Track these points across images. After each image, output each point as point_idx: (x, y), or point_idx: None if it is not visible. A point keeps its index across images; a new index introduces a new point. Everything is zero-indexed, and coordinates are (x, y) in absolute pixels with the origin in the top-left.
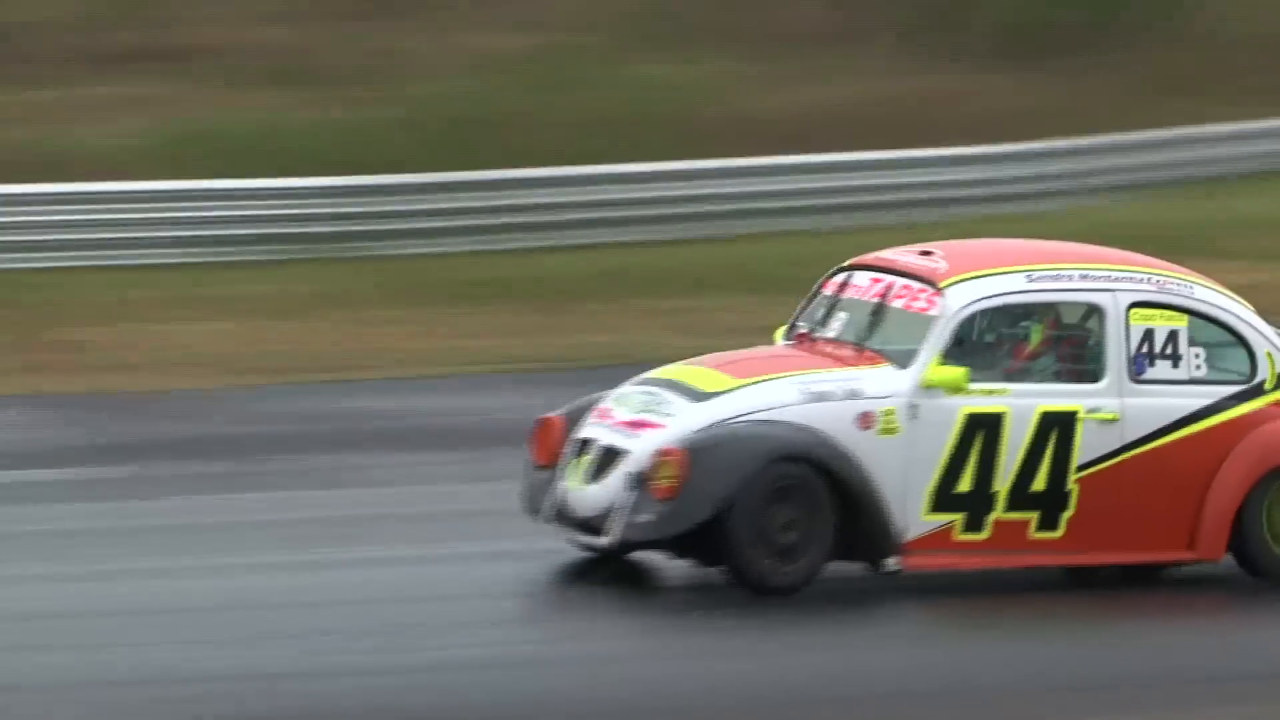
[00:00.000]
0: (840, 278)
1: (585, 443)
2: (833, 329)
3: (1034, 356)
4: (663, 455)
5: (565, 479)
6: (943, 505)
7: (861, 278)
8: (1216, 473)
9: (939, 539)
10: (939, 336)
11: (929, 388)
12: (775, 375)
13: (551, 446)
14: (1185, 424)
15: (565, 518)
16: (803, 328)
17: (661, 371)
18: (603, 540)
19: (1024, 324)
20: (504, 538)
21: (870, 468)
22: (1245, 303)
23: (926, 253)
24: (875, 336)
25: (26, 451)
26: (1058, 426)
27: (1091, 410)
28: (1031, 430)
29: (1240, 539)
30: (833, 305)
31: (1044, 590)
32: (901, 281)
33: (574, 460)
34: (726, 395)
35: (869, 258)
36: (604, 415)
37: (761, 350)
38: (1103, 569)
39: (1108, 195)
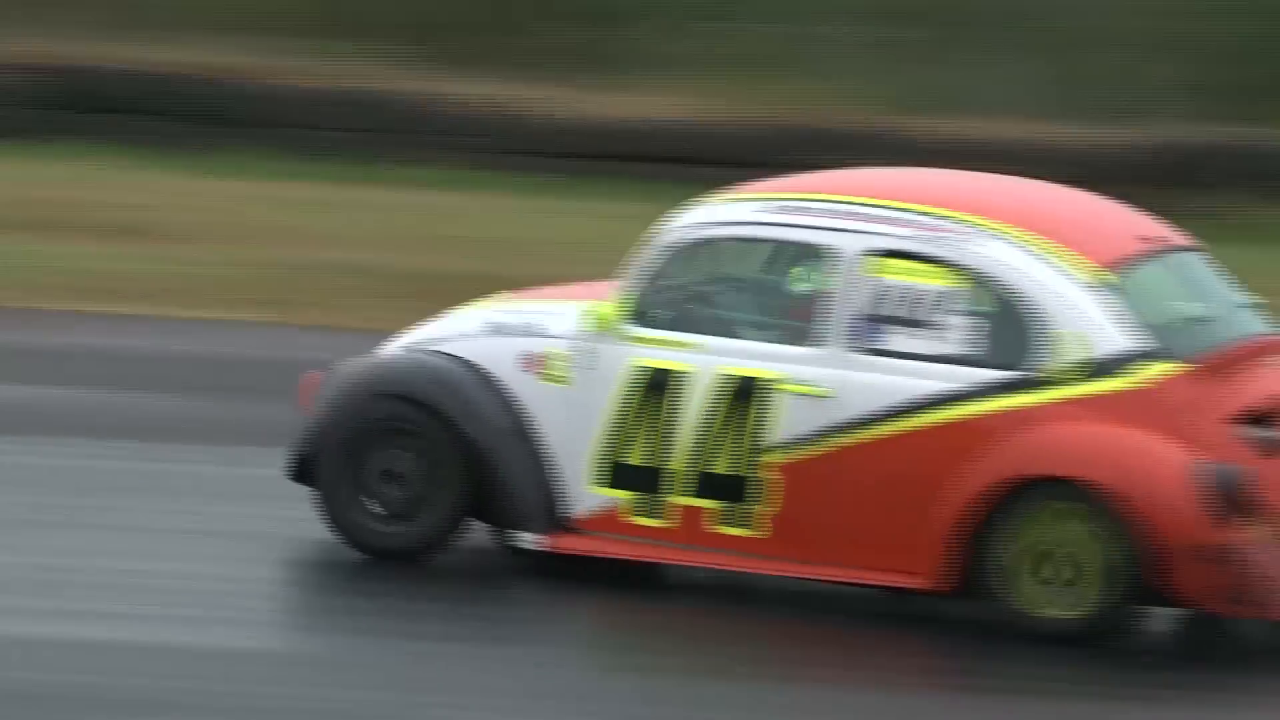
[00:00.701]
0: None
1: None
2: None
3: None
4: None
5: None
6: (611, 478)
7: None
8: (949, 477)
9: (607, 520)
10: (636, 271)
11: (601, 330)
12: (493, 303)
13: None
14: (917, 411)
15: None
16: None
17: None
18: None
19: (791, 268)
20: None
21: (530, 420)
22: (1088, 270)
23: None
24: None
25: None
26: (743, 395)
27: (792, 379)
28: (711, 395)
29: (976, 569)
30: None
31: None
32: None
33: None
34: (436, 321)
35: None
36: None
37: None
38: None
39: None
